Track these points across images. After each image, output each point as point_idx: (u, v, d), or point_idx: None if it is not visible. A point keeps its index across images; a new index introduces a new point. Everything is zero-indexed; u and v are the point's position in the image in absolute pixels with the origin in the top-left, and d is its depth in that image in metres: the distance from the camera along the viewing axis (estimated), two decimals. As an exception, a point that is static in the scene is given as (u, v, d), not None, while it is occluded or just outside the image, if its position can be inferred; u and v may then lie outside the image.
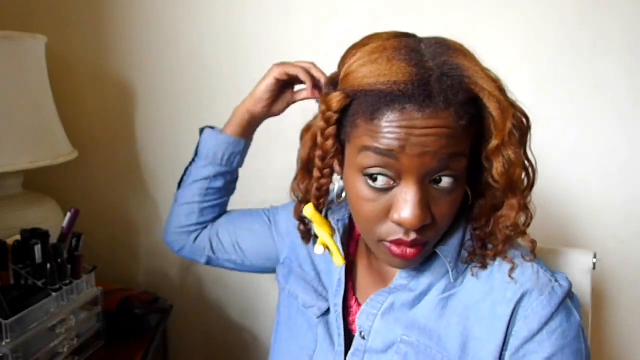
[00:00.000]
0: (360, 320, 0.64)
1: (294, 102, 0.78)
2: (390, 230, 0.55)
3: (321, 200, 0.63)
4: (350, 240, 0.73)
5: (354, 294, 0.69)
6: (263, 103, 0.75)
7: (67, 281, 0.90)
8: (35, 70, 1.08)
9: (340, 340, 0.66)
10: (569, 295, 0.59)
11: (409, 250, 0.55)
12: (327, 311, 0.70)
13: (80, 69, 1.32)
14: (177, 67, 1.29)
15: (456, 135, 0.51)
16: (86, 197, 1.37)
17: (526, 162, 0.57)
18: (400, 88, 0.49)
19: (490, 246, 0.60)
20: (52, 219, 1.13)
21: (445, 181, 0.53)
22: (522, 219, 0.58)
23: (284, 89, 0.76)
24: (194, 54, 1.27)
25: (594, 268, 0.89)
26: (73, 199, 1.31)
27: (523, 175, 0.57)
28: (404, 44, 0.53)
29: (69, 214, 0.98)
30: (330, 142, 0.57)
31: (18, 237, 0.93)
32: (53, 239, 0.95)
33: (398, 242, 0.55)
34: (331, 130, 0.56)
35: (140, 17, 1.27)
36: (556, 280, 0.58)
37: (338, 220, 0.69)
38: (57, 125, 1.14)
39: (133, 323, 1.07)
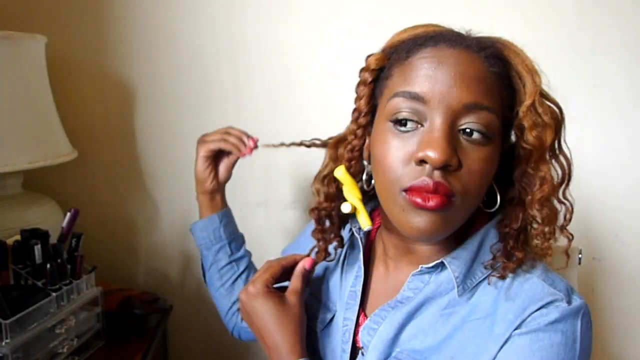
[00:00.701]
0: (362, 335, 0.62)
1: (233, 164, 0.88)
2: (414, 173, 0.53)
3: (352, 162, 0.63)
4: (367, 251, 0.70)
5: (362, 308, 0.67)
6: (208, 181, 0.85)
7: (67, 281, 0.90)
8: (35, 70, 1.08)
9: (345, 356, 0.64)
10: (579, 316, 0.54)
11: (431, 199, 0.52)
12: (330, 322, 0.68)
13: (80, 69, 1.32)
14: (177, 67, 1.28)
15: (485, 82, 0.53)
16: (86, 197, 1.37)
17: (561, 156, 0.58)
18: (436, 30, 0.57)
19: (516, 255, 0.57)
20: (51, 219, 1.13)
21: (475, 135, 0.53)
22: (562, 211, 0.58)
23: (218, 157, 0.86)
24: (194, 54, 1.27)
25: (579, 263, 0.88)
26: (73, 199, 1.31)
27: (557, 167, 0.58)
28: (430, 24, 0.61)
29: (68, 214, 0.98)
30: (364, 101, 0.60)
31: (18, 237, 0.92)
32: (53, 239, 0.95)
33: (420, 189, 0.52)
34: (366, 90, 0.60)
35: (140, 17, 1.27)
36: (568, 299, 0.54)
37: (359, 229, 0.66)
38: (57, 125, 1.14)
39: (133, 323, 1.07)
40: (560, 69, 1.12)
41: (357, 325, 0.66)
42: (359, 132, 0.61)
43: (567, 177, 0.59)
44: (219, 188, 0.88)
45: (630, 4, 1.07)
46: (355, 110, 0.62)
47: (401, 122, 0.54)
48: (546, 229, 0.57)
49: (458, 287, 0.57)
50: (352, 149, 0.63)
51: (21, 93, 1.04)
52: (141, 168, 1.37)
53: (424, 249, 0.62)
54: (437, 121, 0.52)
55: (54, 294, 0.85)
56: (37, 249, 0.87)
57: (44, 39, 1.09)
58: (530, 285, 0.56)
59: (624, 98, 1.11)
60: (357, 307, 0.66)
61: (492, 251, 0.59)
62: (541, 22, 1.11)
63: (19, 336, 0.78)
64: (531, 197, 0.57)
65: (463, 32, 0.60)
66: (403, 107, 0.54)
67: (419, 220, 0.54)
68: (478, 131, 0.53)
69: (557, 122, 0.57)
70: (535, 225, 0.59)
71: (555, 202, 0.59)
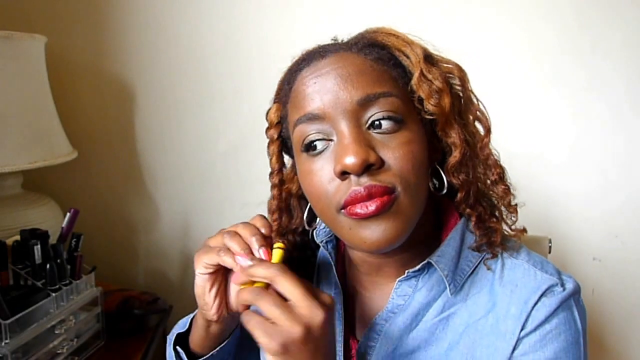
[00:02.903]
0: (359, 356, 0.59)
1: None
2: (342, 188, 0.50)
3: (281, 223, 0.60)
4: (341, 265, 0.66)
5: (349, 329, 0.63)
6: (211, 309, 0.55)
7: (67, 281, 0.90)
8: (35, 70, 1.08)
9: None
10: (573, 297, 0.55)
11: (370, 205, 0.49)
12: None
13: (80, 69, 1.32)
14: (177, 67, 1.28)
15: (368, 72, 0.52)
16: (86, 197, 1.37)
17: (476, 111, 0.57)
18: (305, 52, 0.57)
19: (492, 227, 0.57)
20: (51, 219, 1.13)
21: (385, 124, 0.51)
22: (493, 173, 0.57)
23: (225, 276, 0.57)
24: (194, 54, 1.27)
25: (549, 252, 0.88)
26: (72, 199, 1.31)
27: (475, 122, 0.57)
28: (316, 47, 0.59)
29: (68, 214, 0.98)
30: (274, 159, 0.59)
31: (17, 237, 0.92)
32: (52, 239, 0.95)
33: (354, 200, 0.49)
34: (275, 146, 0.59)
35: (140, 17, 1.27)
36: (561, 282, 0.55)
37: (327, 242, 0.63)
38: (57, 125, 1.14)
39: (133, 323, 1.07)
40: (559, 70, 1.13)
41: (348, 349, 0.62)
42: (276, 192, 0.60)
43: (487, 131, 0.56)
44: (226, 321, 0.57)
45: (629, 6, 1.07)
46: (270, 172, 0.60)
47: (311, 146, 0.53)
48: (485, 192, 0.58)
49: (449, 285, 0.55)
50: (277, 216, 0.60)
51: (21, 93, 1.04)
52: (141, 168, 1.37)
53: (395, 259, 0.58)
54: (341, 129, 0.51)
55: (53, 294, 0.85)
56: (37, 249, 0.87)
57: (44, 39, 1.09)
58: (523, 272, 0.56)
59: (622, 99, 1.11)
60: (342, 329, 0.61)
61: (473, 234, 0.58)
62: (541, 24, 1.11)
63: (19, 336, 0.78)
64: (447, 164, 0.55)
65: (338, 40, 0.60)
66: (306, 131, 0.53)
67: (370, 232, 0.50)
68: (383, 119, 0.51)
69: (450, 83, 0.55)
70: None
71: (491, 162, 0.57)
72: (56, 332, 0.87)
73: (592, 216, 1.17)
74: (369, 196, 0.49)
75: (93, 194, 1.38)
